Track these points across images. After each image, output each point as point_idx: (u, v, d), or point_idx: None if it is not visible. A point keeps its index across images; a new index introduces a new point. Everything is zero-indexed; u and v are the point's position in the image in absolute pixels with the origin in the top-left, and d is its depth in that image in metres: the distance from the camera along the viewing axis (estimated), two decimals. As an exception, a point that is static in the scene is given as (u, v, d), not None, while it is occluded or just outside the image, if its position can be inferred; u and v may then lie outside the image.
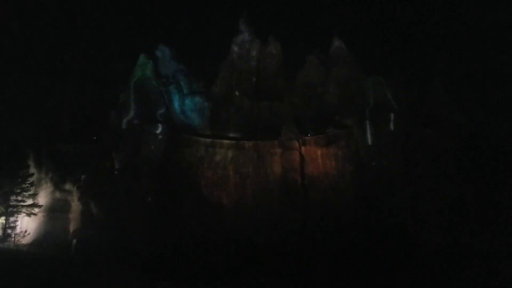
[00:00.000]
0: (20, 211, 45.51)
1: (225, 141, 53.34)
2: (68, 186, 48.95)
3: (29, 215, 45.69)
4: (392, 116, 50.50)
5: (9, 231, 44.90)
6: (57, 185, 49.04)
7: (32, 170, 48.78)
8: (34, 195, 47.29)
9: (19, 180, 46.33)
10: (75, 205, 47.65)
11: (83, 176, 48.12)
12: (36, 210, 46.20)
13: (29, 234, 45.47)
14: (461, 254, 37.98)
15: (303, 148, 52.55)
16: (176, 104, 55.25)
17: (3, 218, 45.48)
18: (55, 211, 47.73)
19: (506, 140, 47.59)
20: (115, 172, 47.45)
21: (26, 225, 46.23)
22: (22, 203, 45.71)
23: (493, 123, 51.13)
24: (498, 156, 46.07)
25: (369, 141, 49.90)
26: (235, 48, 62.47)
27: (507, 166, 44.68)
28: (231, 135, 55.07)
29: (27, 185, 46.65)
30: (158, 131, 49.70)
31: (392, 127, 49.15)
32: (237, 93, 58.34)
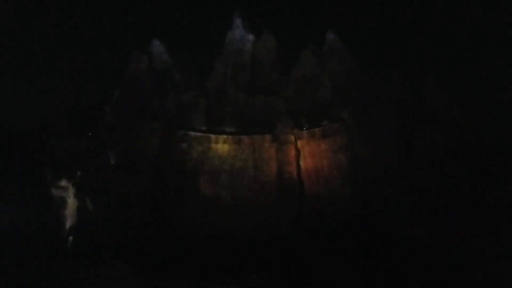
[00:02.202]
0: (16, 208, 45.37)
1: (221, 136, 53.33)
2: (63, 183, 48.77)
3: (25, 212, 45.53)
4: (387, 110, 50.57)
5: (5, 228, 44.74)
6: (53, 182, 48.86)
7: (27, 167, 48.59)
8: (29, 192, 47.13)
9: (14, 177, 46.15)
10: (71, 202, 47.55)
11: (78, 172, 48.00)
12: (31, 207, 46.06)
13: (25, 231, 45.31)
14: (460, 252, 38.06)
15: (298, 142, 52.65)
16: (171, 99, 55.11)
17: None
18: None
19: (506, 137, 47.69)
20: (111, 168, 47.31)
21: (22, 222, 46.05)
22: (17, 200, 45.58)
23: (492, 120, 51.15)
24: (497, 153, 46.17)
25: (364, 135, 49.91)
26: (230, 43, 62.36)
27: (507, 163, 44.77)
28: (227, 129, 55.05)
29: (22, 182, 46.47)
30: (153, 127, 49.59)
31: (387, 121, 49.19)
32: (232, 87, 58.24)
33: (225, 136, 53.38)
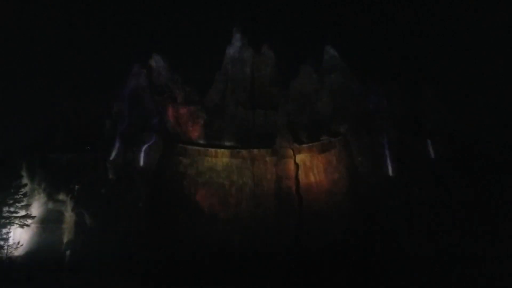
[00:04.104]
0: (13, 223, 44.93)
1: (220, 150, 53.41)
2: (61, 197, 48.53)
3: (22, 226, 45.15)
4: (386, 123, 50.71)
5: (1, 242, 44.26)
6: (51, 196, 48.61)
7: (25, 180, 48.32)
8: (27, 206, 46.80)
9: (12, 190, 45.81)
10: (69, 216, 47.25)
11: (76, 186, 47.80)
12: (29, 221, 45.66)
13: (22, 245, 44.90)
14: (458, 261, 38.06)
15: (297, 156, 52.69)
16: (171, 113, 55.23)
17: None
18: (48, 222, 47.23)
19: (501, 147, 48.08)
20: (109, 182, 47.12)
21: (19, 236, 45.67)
22: (15, 214, 45.18)
23: (490, 131, 51.58)
24: (493, 163, 46.49)
25: (363, 149, 49.92)
26: (229, 57, 62.83)
27: (503, 172, 45.06)
28: (226, 143, 55.15)
29: (20, 196, 46.11)
30: (152, 141, 49.56)
31: (386, 134, 49.29)
32: (231, 102, 58.48)
33: (224, 150, 53.43)
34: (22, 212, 45.87)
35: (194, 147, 52.79)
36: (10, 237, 45.30)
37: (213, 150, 53.13)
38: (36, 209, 47.62)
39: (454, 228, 42.56)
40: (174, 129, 54.17)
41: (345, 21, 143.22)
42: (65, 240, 46.38)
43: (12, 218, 45.00)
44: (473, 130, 51.48)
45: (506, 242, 39.43)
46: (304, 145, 53.54)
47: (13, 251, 44.19)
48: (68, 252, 44.18)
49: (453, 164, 47.01)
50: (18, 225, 45.16)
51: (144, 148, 48.89)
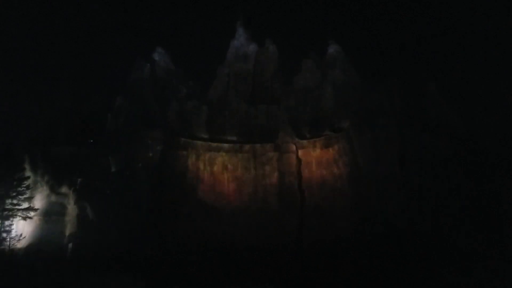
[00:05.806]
0: (16, 215, 45.16)
1: (222, 145, 53.36)
2: (64, 190, 48.65)
3: (24, 218, 45.32)
4: (388, 120, 50.61)
5: (4, 235, 44.56)
6: (53, 188, 48.71)
7: (28, 173, 48.43)
8: (29, 199, 46.98)
9: (15, 183, 46.03)
10: (71, 209, 47.37)
11: (79, 179, 47.92)
12: (31, 213, 45.83)
13: (24, 238, 45.11)
14: (459, 260, 38.12)
15: (299, 151, 52.69)
16: (173, 107, 55.19)
17: (-2, 221, 45.18)
18: (51, 215, 47.30)
19: (506, 145, 48.06)
20: (111, 176, 47.23)
21: (22, 228, 45.85)
22: (17, 207, 45.38)
23: (492, 128, 51.55)
24: (495, 160, 46.45)
25: (365, 145, 49.89)
26: (232, 52, 62.65)
27: (504, 169, 45.03)
28: (228, 138, 55.04)
29: (22, 188, 46.30)
30: (154, 135, 49.60)
31: (388, 131, 49.22)
32: (234, 96, 58.34)
33: (226, 145, 53.39)
34: (25, 205, 46.08)
35: (197, 141, 52.76)
36: (13, 229, 45.60)
37: (215, 144, 53.10)
38: (38, 202, 47.77)
39: (454, 227, 42.59)
40: (176, 123, 54.11)
41: (348, 16, 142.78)
42: (67, 233, 46.51)
43: (15, 211, 45.23)
44: (475, 127, 51.44)
45: (506, 242, 39.42)
46: (307, 140, 53.51)
47: (16, 243, 44.48)
48: (70, 245, 44.36)
49: (455, 161, 46.99)
50: (20, 218, 45.37)
51: (146, 142, 48.95)
